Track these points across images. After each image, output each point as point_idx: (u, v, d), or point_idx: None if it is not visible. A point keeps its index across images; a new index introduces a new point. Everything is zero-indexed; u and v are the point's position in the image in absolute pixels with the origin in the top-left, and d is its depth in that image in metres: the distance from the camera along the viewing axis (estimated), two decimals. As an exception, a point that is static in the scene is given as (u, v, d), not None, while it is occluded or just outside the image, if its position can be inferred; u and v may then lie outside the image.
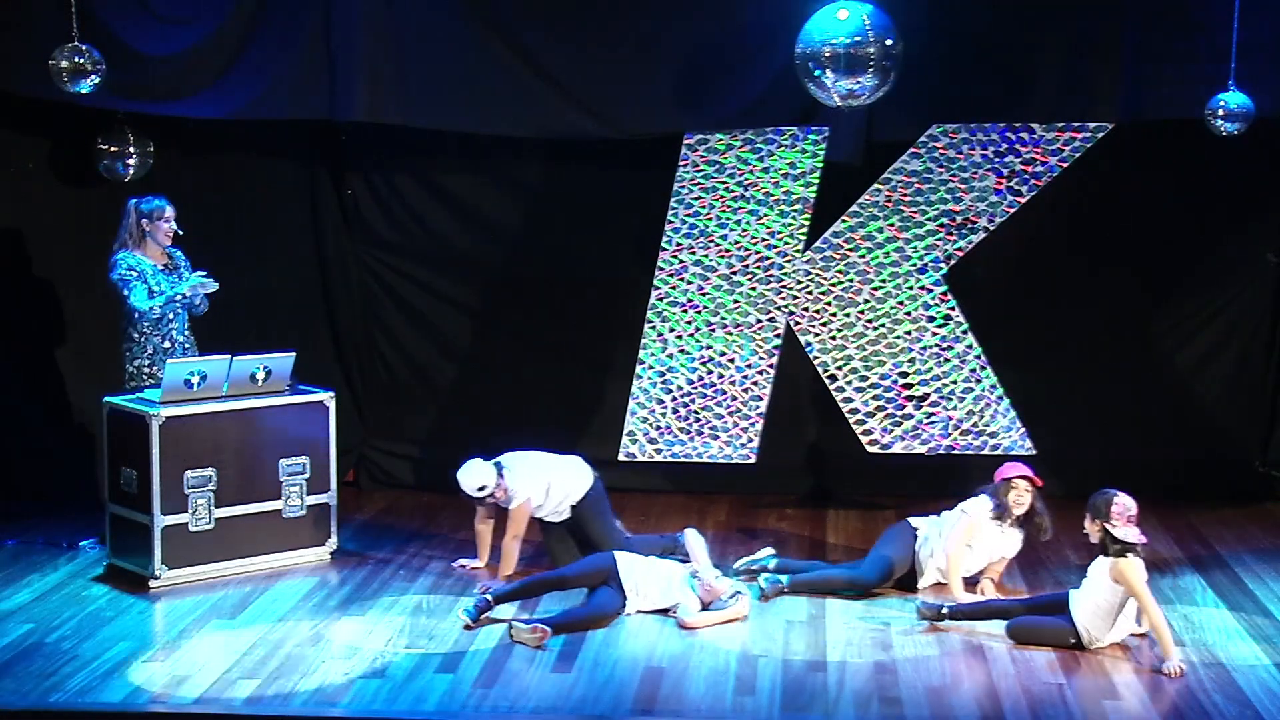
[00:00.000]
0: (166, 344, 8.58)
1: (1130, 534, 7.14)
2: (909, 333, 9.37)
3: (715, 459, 9.43)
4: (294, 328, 9.94)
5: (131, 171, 9.50)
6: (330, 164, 10.12)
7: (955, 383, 9.37)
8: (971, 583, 8.06)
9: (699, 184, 9.45)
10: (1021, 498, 7.98)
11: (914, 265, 9.40)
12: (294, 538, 8.52)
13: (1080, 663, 7.10)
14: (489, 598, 7.56)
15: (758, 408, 9.27)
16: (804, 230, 9.44)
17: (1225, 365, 9.95)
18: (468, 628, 7.43)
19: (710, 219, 9.50)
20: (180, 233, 8.69)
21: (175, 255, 8.74)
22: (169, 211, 8.62)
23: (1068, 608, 7.28)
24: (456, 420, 10.25)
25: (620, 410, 9.42)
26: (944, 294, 9.37)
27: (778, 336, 9.39)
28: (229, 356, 8.36)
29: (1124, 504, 7.19)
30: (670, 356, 9.43)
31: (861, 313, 9.33)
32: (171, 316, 8.58)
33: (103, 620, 7.63)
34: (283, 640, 7.38)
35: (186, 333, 8.70)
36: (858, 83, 8.01)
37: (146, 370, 8.56)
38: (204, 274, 8.58)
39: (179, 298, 8.55)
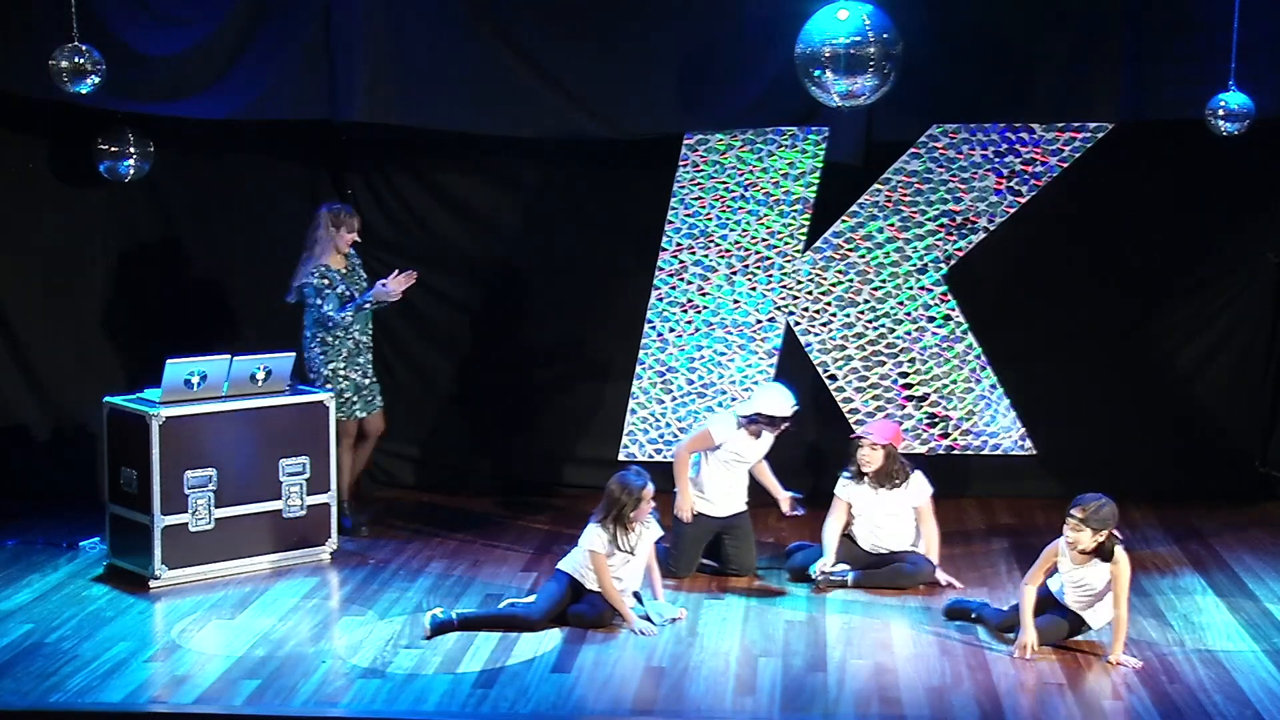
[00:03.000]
0: (354, 345, 8.99)
1: (1118, 533, 7.21)
2: (909, 333, 9.37)
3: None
4: (294, 328, 9.93)
5: (131, 171, 9.50)
6: (330, 164, 10.12)
7: (955, 383, 9.37)
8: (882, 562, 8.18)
9: (699, 184, 9.45)
10: (866, 456, 8.10)
11: (914, 265, 9.40)
12: (294, 538, 8.52)
13: (1080, 663, 7.10)
14: (454, 618, 7.46)
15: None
16: (804, 230, 9.44)
17: (1225, 365, 9.95)
18: (426, 637, 7.37)
19: (710, 219, 9.50)
20: (358, 240, 8.99)
21: (350, 257, 9.04)
22: (356, 221, 8.98)
23: (1056, 604, 7.30)
24: (456, 420, 10.25)
25: (620, 410, 9.42)
26: (944, 294, 9.37)
27: (778, 336, 9.39)
28: (229, 356, 8.36)
29: (1113, 508, 7.21)
30: (670, 356, 9.43)
31: (861, 313, 9.33)
32: (356, 319, 8.94)
33: (103, 620, 7.63)
34: (283, 640, 7.38)
35: (370, 331, 9.08)
36: (858, 83, 8.01)
37: (342, 373, 8.92)
38: (399, 272, 8.83)
39: (367, 305, 8.84)
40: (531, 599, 7.63)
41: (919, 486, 8.26)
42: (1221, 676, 6.93)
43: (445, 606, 7.65)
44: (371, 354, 9.10)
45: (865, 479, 8.22)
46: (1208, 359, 9.97)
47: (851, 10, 7.80)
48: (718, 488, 8.33)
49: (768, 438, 8.33)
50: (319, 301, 8.80)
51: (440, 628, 7.39)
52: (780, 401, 8.22)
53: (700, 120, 9.29)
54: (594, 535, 7.56)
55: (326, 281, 8.83)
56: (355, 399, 9.00)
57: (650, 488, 7.62)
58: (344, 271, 8.97)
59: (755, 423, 8.20)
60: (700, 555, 8.41)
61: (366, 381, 9.05)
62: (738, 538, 8.39)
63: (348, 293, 8.89)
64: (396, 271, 8.86)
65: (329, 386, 8.80)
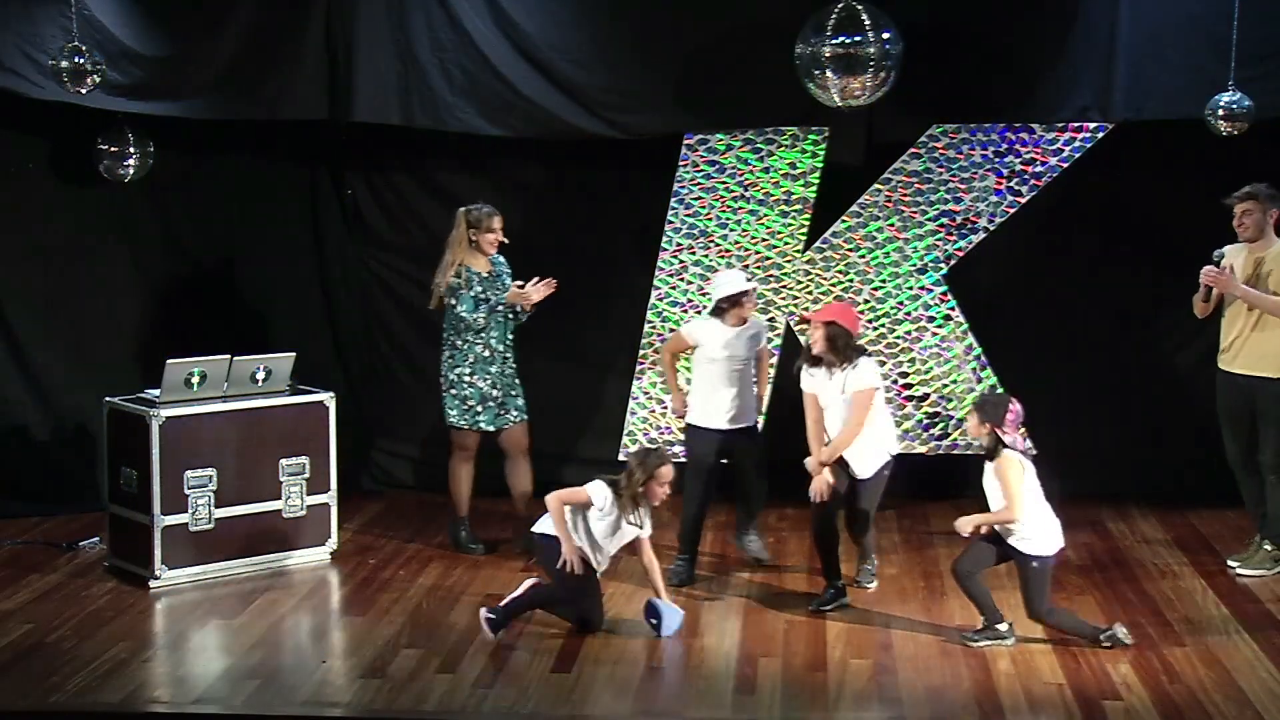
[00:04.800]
0: (486, 352, 8.55)
1: (1019, 442, 7.24)
2: (909, 333, 9.38)
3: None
4: (294, 328, 9.94)
5: (131, 171, 9.50)
6: (330, 164, 10.12)
7: (955, 383, 9.38)
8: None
9: (699, 184, 9.46)
10: (810, 335, 7.88)
11: (914, 265, 9.41)
12: (294, 538, 8.52)
13: (1080, 663, 7.09)
14: (494, 618, 7.44)
15: (758, 407, 9.27)
16: (804, 230, 9.46)
17: (1225, 365, 9.94)
18: (492, 636, 7.37)
19: (710, 219, 9.51)
20: (505, 241, 8.63)
21: (497, 263, 8.67)
22: (497, 220, 8.56)
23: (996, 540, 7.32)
24: (456, 420, 10.25)
25: (620, 410, 9.42)
26: (944, 294, 9.38)
27: (778, 336, 9.40)
28: (229, 356, 8.36)
29: (1018, 412, 7.23)
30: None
31: (861, 313, 9.33)
32: (492, 325, 8.55)
33: (103, 620, 7.62)
34: (283, 640, 7.38)
35: (508, 340, 8.64)
36: (857, 83, 8.02)
37: (468, 379, 8.54)
38: (539, 280, 8.54)
39: (501, 307, 8.53)
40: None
41: (865, 372, 7.76)
42: (1221, 676, 6.92)
43: (486, 606, 7.56)
44: (510, 365, 8.67)
45: (821, 365, 7.86)
46: (1208, 359, 9.93)
47: (851, 10, 7.82)
48: (714, 396, 8.20)
49: (749, 331, 8.20)
50: (453, 301, 8.47)
51: (496, 626, 7.37)
52: (732, 280, 8.21)
53: (700, 120, 9.29)
54: (598, 488, 7.49)
55: (462, 280, 8.48)
56: (479, 408, 8.60)
57: (669, 469, 7.49)
58: (486, 275, 8.58)
59: (721, 310, 8.14)
60: (711, 476, 8.27)
61: (495, 392, 8.59)
62: (748, 455, 8.30)
63: (485, 295, 8.53)
64: (536, 279, 8.54)
65: (452, 392, 8.55)
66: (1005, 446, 7.19)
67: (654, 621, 7.45)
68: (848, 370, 7.79)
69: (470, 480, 8.78)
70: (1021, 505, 7.16)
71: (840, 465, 7.89)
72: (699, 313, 9.43)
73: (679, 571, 8.23)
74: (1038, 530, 7.23)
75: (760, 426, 8.58)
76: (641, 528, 7.53)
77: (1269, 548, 8.31)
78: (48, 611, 7.74)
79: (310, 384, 8.76)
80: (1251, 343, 8.19)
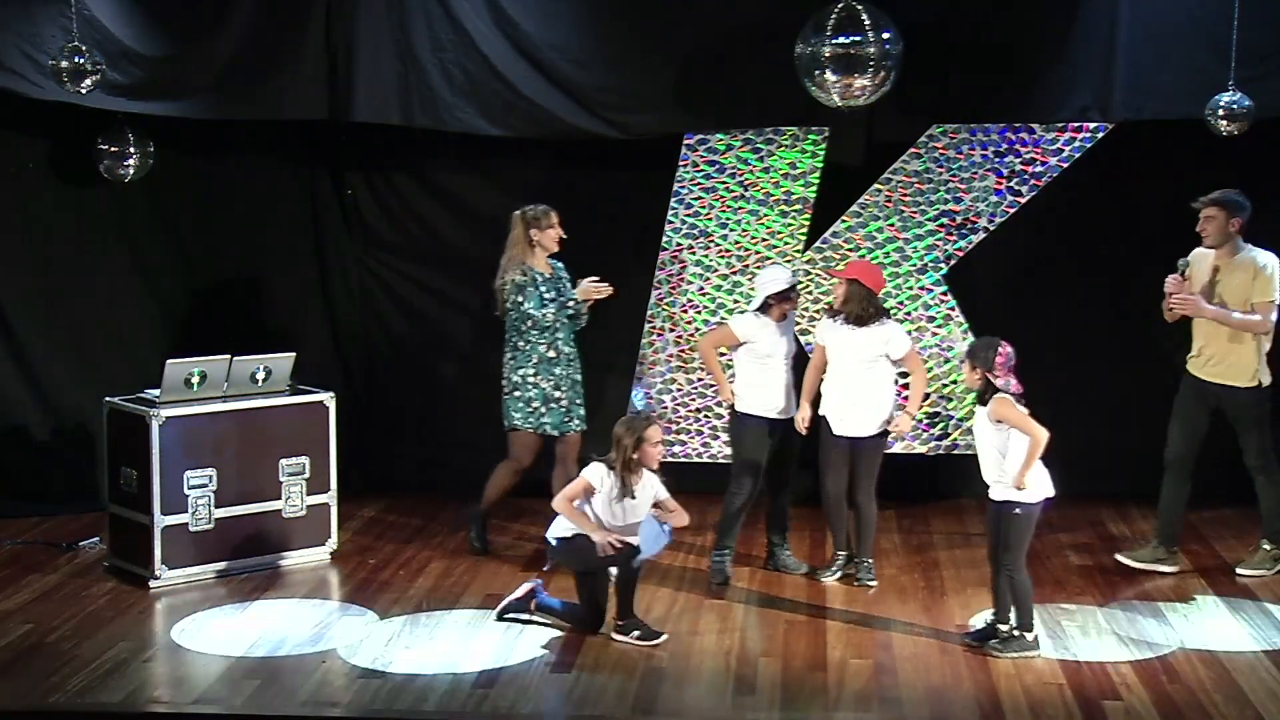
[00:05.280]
0: (551, 353, 8.45)
1: (1011, 384, 7.19)
2: (909, 333, 9.36)
3: (716, 459, 9.44)
4: (294, 328, 9.94)
5: (131, 171, 9.50)
6: (330, 164, 10.12)
7: (955, 383, 9.37)
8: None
9: (699, 184, 9.46)
10: (835, 291, 8.17)
11: (914, 265, 9.41)
12: (294, 538, 8.52)
13: (1080, 663, 7.10)
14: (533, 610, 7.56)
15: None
16: (804, 230, 9.45)
17: (1225, 365, 9.93)
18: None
19: (710, 219, 9.51)
20: (564, 237, 8.51)
21: (556, 266, 8.59)
22: (555, 216, 8.46)
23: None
24: (456, 420, 10.25)
25: (620, 410, 9.40)
26: (944, 294, 9.37)
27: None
28: (229, 356, 8.36)
29: (1008, 354, 7.22)
30: (670, 357, 9.43)
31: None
32: (558, 325, 8.46)
33: (103, 620, 7.62)
34: (283, 640, 7.38)
35: (572, 343, 8.57)
36: (857, 83, 8.02)
37: (532, 380, 8.43)
38: (595, 279, 8.52)
39: (570, 303, 8.47)
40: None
41: (897, 337, 8.16)
42: (1221, 676, 6.93)
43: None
44: (576, 370, 8.60)
45: (840, 317, 8.11)
46: (1208, 359, 9.96)
47: (851, 10, 7.82)
48: (763, 387, 8.24)
49: (788, 326, 8.27)
50: (520, 299, 8.36)
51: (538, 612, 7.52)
52: (777, 275, 8.25)
53: (700, 120, 9.29)
54: (593, 469, 7.48)
55: (527, 279, 8.40)
56: (544, 410, 8.47)
57: (655, 429, 7.49)
58: (548, 275, 8.50)
59: (768, 307, 8.18)
60: (759, 470, 8.28)
61: (559, 394, 8.47)
62: (791, 443, 8.31)
63: (550, 293, 8.45)
64: (597, 278, 8.53)
65: (515, 394, 8.45)
66: (997, 391, 7.16)
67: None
68: (874, 329, 8.05)
69: (511, 487, 8.67)
70: (1037, 428, 7.10)
71: (843, 440, 8.13)
72: (699, 312, 9.43)
73: (720, 570, 8.26)
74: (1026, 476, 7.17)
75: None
76: (633, 496, 7.45)
77: (1268, 547, 8.32)
78: (48, 611, 7.74)
79: (310, 384, 8.76)
80: (1223, 352, 8.19)
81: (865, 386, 8.12)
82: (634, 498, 7.45)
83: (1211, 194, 8.19)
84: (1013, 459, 7.13)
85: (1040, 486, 7.22)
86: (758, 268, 9.38)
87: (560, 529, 7.53)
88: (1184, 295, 8.14)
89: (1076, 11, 8.85)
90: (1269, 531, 8.32)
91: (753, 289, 8.56)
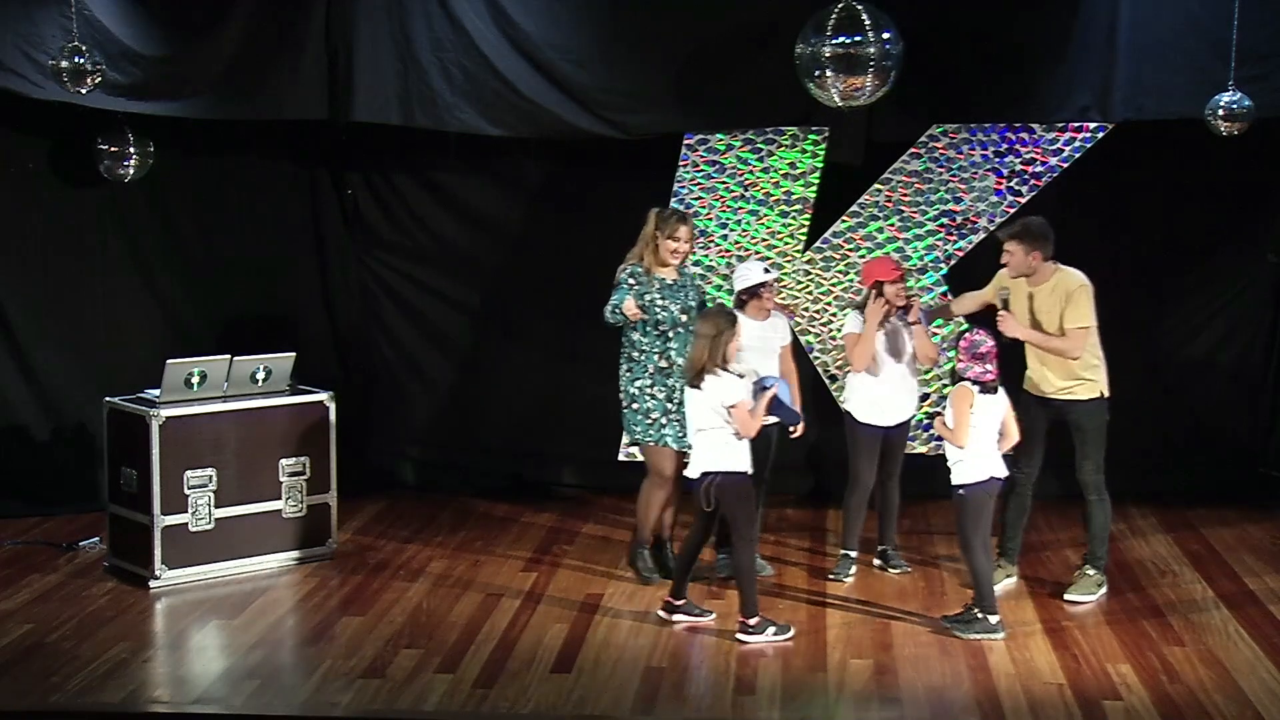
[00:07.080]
0: (664, 364, 8.09)
1: (972, 370, 7.36)
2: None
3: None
4: (294, 328, 9.94)
5: (131, 171, 9.49)
6: (330, 164, 10.12)
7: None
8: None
9: (699, 184, 9.45)
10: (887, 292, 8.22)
11: (914, 265, 9.41)
12: (294, 538, 8.52)
13: (1080, 663, 7.10)
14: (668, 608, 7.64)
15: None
16: (804, 230, 9.45)
17: (1225, 365, 9.95)
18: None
19: (710, 219, 9.51)
20: (683, 252, 8.14)
21: (685, 273, 8.26)
22: (682, 230, 8.08)
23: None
24: (456, 420, 10.25)
25: (620, 410, 9.39)
26: (944, 294, 9.37)
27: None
28: (229, 357, 8.36)
29: (970, 341, 7.38)
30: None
31: (862, 313, 9.33)
32: (671, 336, 8.10)
33: (103, 620, 7.62)
34: (283, 640, 7.38)
35: (687, 353, 8.05)
36: (857, 83, 8.01)
37: (649, 391, 8.10)
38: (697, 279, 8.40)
39: (663, 315, 8.07)
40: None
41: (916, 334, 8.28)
42: (1221, 676, 6.93)
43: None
44: None
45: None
46: (1208, 359, 9.97)
47: (851, 10, 7.81)
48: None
49: (774, 324, 8.21)
50: (614, 293, 8.10)
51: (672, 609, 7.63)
52: (750, 271, 8.20)
53: (700, 120, 9.29)
54: (725, 387, 7.33)
55: (632, 281, 8.12)
56: (664, 421, 8.08)
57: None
58: (667, 281, 8.12)
59: (744, 302, 8.13)
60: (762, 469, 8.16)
61: (672, 407, 8.07)
62: (770, 446, 8.23)
63: (655, 299, 8.08)
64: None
65: (634, 406, 8.13)
66: (961, 378, 7.37)
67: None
68: (898, 324, 8.20)
69: (663, 505, 8.20)
70: (964, 433, 7.32)
71: (878, 429, 8.24)
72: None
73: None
74: (968, 456, 7.35)
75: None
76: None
77: (1091, 572, 8.07)
78: (48, 611, 7.74)
79: (310, 384, 8.76)
80: (1060, 369, 8.06)
81: (898, 375, 8.24)
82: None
83: (1012, 226, 8.08)
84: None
85: (981, 467, 7.37)
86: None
87: (706, 464, 7.40)
88: (1004, 317, 7.93)
89: (1076, 12, 8.84)
90: (1093, 557, 8.11)
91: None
